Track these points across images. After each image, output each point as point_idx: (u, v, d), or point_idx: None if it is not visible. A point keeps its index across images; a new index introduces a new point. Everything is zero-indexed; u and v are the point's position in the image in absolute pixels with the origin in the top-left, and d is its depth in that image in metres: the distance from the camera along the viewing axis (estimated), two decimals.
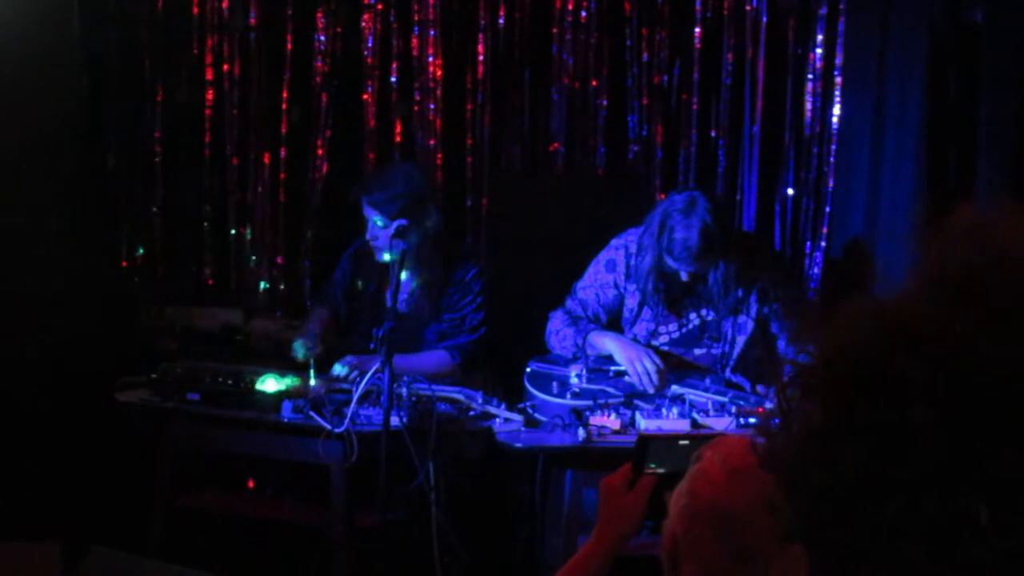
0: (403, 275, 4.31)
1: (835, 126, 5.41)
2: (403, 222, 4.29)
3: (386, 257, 4.48)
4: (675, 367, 4.31)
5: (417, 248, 4.40)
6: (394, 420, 3.90)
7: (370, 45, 5.59)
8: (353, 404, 4.01)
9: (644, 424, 3.94)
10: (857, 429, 0.85)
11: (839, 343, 0.89)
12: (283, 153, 5.65)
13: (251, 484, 4.65)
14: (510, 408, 4.13)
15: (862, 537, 0.85)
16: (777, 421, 0.95)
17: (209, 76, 5.62)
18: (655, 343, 4.39)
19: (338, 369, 4.30)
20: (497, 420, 4.10)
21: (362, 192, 4.51)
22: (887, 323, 0.87)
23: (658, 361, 4.21)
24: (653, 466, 2.27)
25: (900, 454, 0.83)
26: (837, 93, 5.39)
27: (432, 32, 5.56)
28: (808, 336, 0.93)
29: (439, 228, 4.52)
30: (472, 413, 4.16)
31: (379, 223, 4.45)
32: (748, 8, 5.47)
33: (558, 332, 4.44)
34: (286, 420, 4.09)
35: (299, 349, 4.39)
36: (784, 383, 0.93)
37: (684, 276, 4.26)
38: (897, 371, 0.84)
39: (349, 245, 4.79)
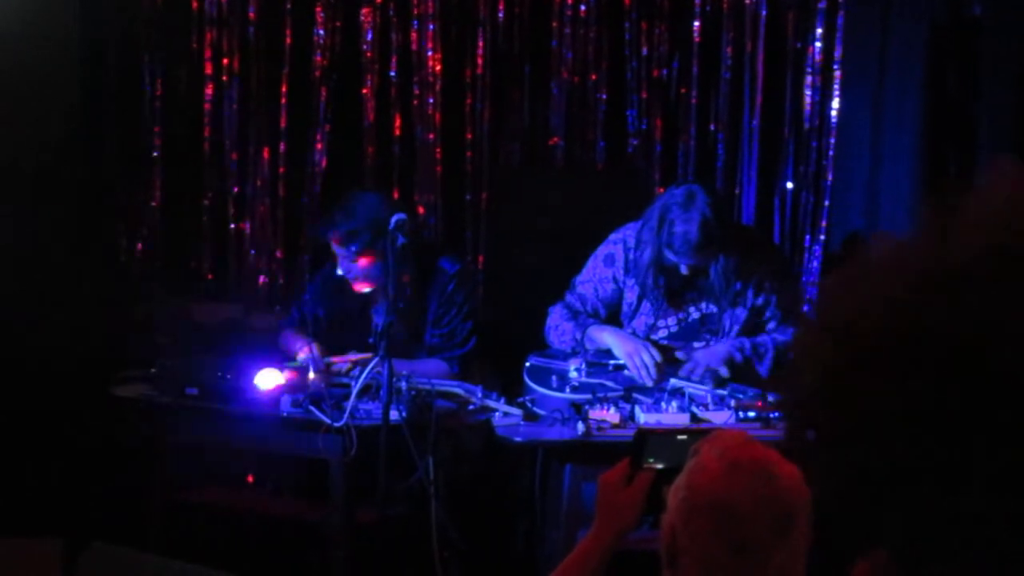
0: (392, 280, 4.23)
1: (834, 120, 5.41)
2: (402, 216, 4.21)
3: (364, 288, 4.45)
4: (674, 361, 4.31)
5: (389, 274, 4.20)
6: (393, 414, 3.89)
7: (369, 39, 5.58)
8: (352, 398, 4.01)
9: (643, 418, 3.94)
10: (945, 415, 0.79)
11: (912, 319, 0.82)
12: (282, 147, 5.64)
13: (250, 479, 4.66)
14: (509, 402, 4.12)
15: (939, 530, 0.80)
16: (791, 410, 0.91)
17: (208, 71, 5.62)
18: (654, 337, 4.38)
19: (338, 364, 4.29)
20: (496, 414, 4.10)
21: (327, 228, 4.44)
22: (967, 304, 0.81)
23: (657, 355, 4.21)
24: (651, 461, 2.27)
25: (984, 444, 0.78)
26: (836, 87, 5.39)
27: (431, 26, 5.55)
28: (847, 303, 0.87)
29: (409, 250, 4.41)
30: (471, 407, 4.15)
31: (350, 255, 4.40)
32: (747, 2, 5.46)
33: (557, 327, 4.44)
34: (285, 415, 4.08)
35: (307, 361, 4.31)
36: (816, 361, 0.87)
37: (684, 269, 4.26)
38: (988, 359, 0.78)
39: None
